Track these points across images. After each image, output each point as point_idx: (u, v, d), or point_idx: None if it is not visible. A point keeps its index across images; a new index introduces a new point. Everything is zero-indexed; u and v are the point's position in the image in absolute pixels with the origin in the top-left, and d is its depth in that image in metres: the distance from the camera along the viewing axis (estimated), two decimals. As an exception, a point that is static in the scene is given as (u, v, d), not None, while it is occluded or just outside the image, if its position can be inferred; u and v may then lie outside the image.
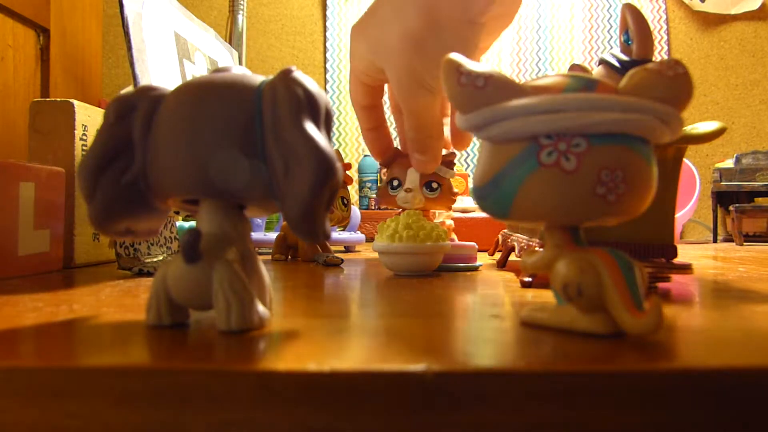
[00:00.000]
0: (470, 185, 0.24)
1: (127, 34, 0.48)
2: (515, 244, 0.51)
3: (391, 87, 0.45)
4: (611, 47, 1.56)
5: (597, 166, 0.22)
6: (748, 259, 0.69)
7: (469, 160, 1.56)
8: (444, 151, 0.63)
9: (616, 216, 0.23)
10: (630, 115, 0.22)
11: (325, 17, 1.58)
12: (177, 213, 0.29)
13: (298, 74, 0.24)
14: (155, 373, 0.18)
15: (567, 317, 0.23)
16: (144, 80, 0.49)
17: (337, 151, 0.27)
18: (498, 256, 0.58)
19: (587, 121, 0.21)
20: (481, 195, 0.24)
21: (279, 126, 0.23)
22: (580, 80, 0.23)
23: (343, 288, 0.40)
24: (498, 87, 0.23)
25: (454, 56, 0.24)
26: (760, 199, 1.25)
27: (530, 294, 0.36)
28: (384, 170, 0.61)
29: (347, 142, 1.56)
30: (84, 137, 0.54)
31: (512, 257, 0.58)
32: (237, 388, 0.18)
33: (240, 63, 0.94)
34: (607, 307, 0.22)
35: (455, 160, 0.65)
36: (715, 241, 1.30)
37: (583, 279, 0.22)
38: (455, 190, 0.58)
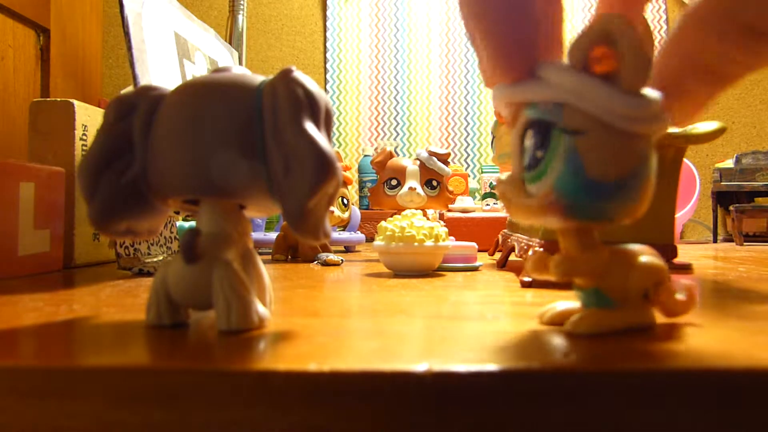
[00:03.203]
0: (570, 181, 0.20)
1: (127, 34, 0.48)
2: (515, 244, 0.51)
3: None
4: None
5: None
6: (748, 259, 0.69)
7: (469, 160, 1.56)
8: (441, 150, 0.63)
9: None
10: None
11: (325, 17, 1.58)
12: (177, 213, 0.29)
13: (298, 74, 0.24)
14: (155, 373, 0.18)
15: (630, 317, 0.23)
16: (144, 80, 0.49)
17: (337, 152, 0.27)
18: (498, 256, 0.58)
19: None
20: (602, 194, 0.20)
21: (279, 126, 0.23)
22: None
23: (343, 288, 0.40)
24: None
25: None
26: (760, 199, 1.25)
27: (530, 294, 0.36)
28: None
29: (347, 142, 1.56)
30: (84, 137, 0.54)
31: (512, 257, 0.58)
32: (237, 388, 0.18)
33: (240, 63, 0.94)
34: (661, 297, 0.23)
35: (450, 159, 0.65)
36: (715, 241, 1.30)
37: (665, 277, 0.23)
38: (451, 188, 0.58)
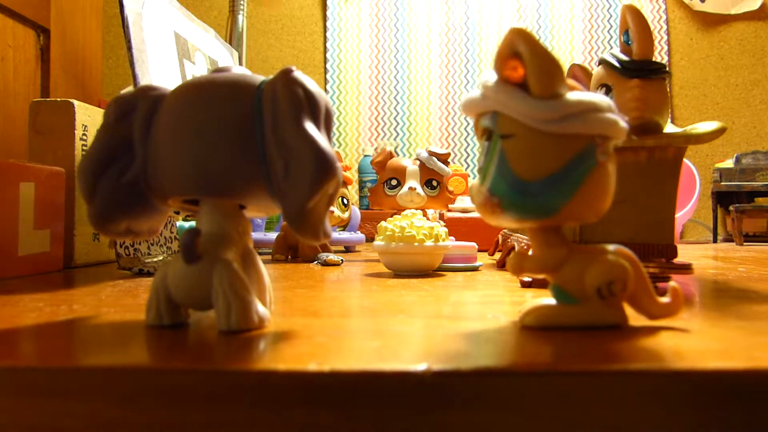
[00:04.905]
0: (496, 182, 0.23)
1: (127, 34, 0.48)
2: (515, 244, 0.51)
3: None
4: (611, 47, 1.56)
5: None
6: (748, 259, 0.69)
7: (469, 161, 1.55)
8: (441, 150, 0.63)
9: None
10: None
11: (325, 17, 1.58)
12: (177, 213, 0.29)
13: (298, 74, 0.24)
14: (155, 373, 0.18)
15: (587, 314, 0.24)
16: (144, 80, 0.49)
17: (337, 152, 0.27)
18: (498, 256, 0.58)
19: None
20: (532, 191, 0.22)
21: (279, 126, 0.23)
22: None
23: (343, 288, 0.40)
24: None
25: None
26: (760, 199, 1.25)
27: (530, 294, 0.36)
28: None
29: (347, 142, 1.56)
30: (84, 137, 0.54)
31: (512, 257, 0.58)
32: (237, 388, 0.18)
33: (240, 63, 0.94)
34: (635, 297, 0.24)
35: (450, 159, 0.65)
36: (715, 241, 1.30)
37: (621, 275, 0.23)
38: (451, 188, 0.58)
